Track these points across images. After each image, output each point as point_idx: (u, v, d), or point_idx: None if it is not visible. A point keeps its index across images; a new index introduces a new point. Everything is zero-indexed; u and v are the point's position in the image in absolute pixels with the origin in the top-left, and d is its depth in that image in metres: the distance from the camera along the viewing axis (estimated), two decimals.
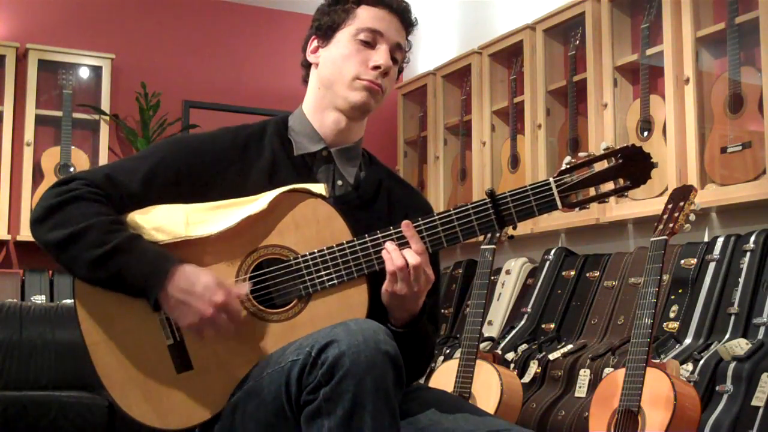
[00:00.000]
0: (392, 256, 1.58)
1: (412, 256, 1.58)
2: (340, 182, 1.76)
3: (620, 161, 1.59)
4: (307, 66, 1.82)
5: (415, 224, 1.61)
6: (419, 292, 1.61)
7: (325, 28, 1.76)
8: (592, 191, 1.60)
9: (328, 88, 1.75)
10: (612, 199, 3.87)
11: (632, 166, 1.59)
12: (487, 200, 1.60)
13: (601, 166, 1.60)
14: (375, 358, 1.38)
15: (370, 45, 1.72)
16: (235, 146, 1.72)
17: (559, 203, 1.59)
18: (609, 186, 1.60)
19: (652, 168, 1.60)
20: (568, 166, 1.60)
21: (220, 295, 1.53)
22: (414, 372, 1.77)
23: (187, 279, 1.54)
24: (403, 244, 1.60)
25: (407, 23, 1.78)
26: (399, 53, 1.76)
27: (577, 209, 1.61)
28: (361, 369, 1.37)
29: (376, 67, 1.71)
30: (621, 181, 1.60)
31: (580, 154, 1.61)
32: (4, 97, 4.87)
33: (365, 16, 1.73)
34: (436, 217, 1.61)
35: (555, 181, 1.59)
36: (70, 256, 1.57)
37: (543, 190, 1.59)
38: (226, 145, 1.72)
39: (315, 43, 1.79)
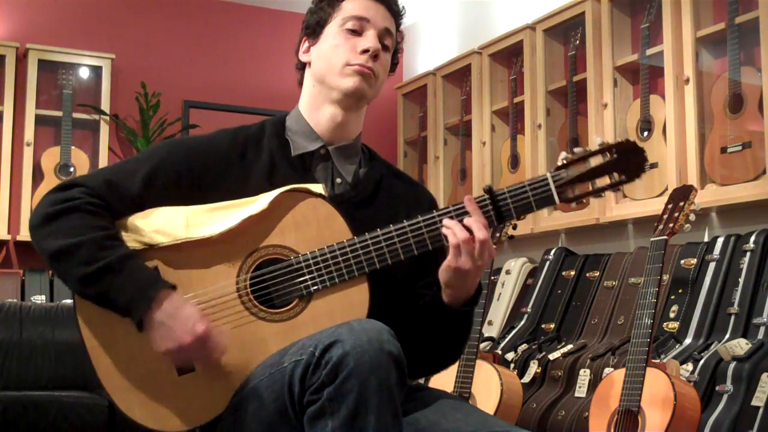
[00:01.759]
0: (454, 230, 1.57)
1: (479, 229, 1.57)
2: (338, 180, 1.75)
3: (615, 156, 1.60)
4: (301, 68, 1.82)
5: (414, 221, 1.61)
6: (482, 267, 1.60)
7: (313, 26, 1.77)
8: (588, 186, 1.61)
9: (321, 82, 1.75)
10: (612, 199, 3.90)
11: (627, 161, 1.60)
12: (486, 196, 1.61)
13: (597, 161, 1.61)
14: (379, 358, 1.38)
15: (357, 33, 1.72)
16: (234, 147, 1.72)
17: (556, 198, 1.60)
18: (605, 181, 1.61)
19: (647, 162, 1.60)
20: (565, 162, 1.61)
21: (202, 325, 1.52)
22: (453, 354, 1.79)
23: (173, 305, 1.53)
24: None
25: (394, 11, 1.78)
26: (389, 39, 1.76)
27: (574, 204, 1.63)
28: (365, 369, 1.37)
29: (365, 51, 1.71)
30: (616, 175, 1.61)
31: (576, 150, 1.62)
32: (4, 97, 4.87)
33: (350, 7, 1.73)
34: (435, 214, 1.61)
35: (552, 176, 1.60)
36: (62, 268, 1.57)
37: (540, 185, 1.60)
38: (225, 147, 1.72)
39: (306, 43, 1.80)
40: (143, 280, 1.55)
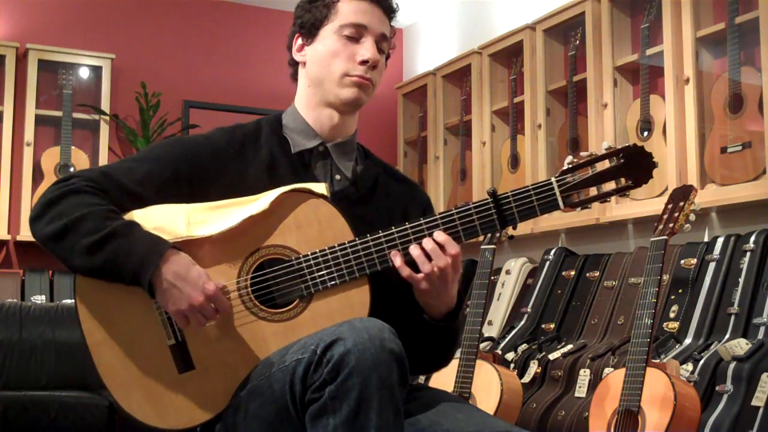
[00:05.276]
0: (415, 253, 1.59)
1: (438, 256, 1.58)
2: (338, 177, 1.76)
3: (622, 161, 1.59)
4: (294, 64, 1.83)
5: (416, 224, 1.61)
6: (444, 284, 1.61)
7: (308, 26, 1.77)
8: (593, 191, 1.60)
9: (318, 85, 1.76)
10: (612, 199, 3.84)
11: (634, 166, 1.59)
12: (489, 200, 1.60)
13: (603, 165, 1.60)
14: (380, 356, 1.39)
15: (355, 39, 1.73)
16: (233, 145, 1.73)
17: (561, 203, 1.59)
18: (611, 186, 1.60)
19: (654, 167, 1.60)
20: (570, 166, 1.59)
21: (211, 285, 1.54)
22: (440, 362, 1.80)
23: (182, 264, 1.55)
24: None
25: (389, 11, 1.78)
26: (385, 43, 1.77)
27: (578, 209, 1.61)
28: (366, 366, 1.37)
29: (364, 62, 1.71)
30: (623, 180, 1.60)
31: (582, 154, 1.61)
32: (4, 97, 4.86)
33: (347, 11, 1.73)
34: (438, 217, 1.61)
35: (557, 181, 1.59)
36: (66, 245, 1.57)
37: (545, 189, 1.59)
38: (223, 145, 1.72)
39: (300, 41, 1.80)
40: (150, 242, 1.56)
